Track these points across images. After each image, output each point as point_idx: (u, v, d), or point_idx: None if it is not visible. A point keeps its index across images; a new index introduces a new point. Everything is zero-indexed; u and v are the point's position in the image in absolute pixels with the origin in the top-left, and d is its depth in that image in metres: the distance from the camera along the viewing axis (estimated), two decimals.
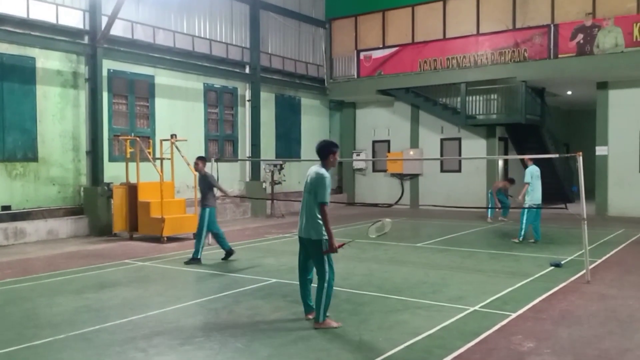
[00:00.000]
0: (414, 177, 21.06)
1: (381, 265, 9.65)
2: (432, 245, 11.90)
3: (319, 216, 5.93)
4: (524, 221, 11.94)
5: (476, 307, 6.77)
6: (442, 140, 20.60)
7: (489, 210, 13.32)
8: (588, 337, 5.73)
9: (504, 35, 18.83)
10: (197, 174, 10.40)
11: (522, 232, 11.96)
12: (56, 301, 7.29)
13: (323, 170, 6.13)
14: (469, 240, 12.42)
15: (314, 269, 6.15)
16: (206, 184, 10.02)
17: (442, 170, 20.56)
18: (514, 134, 20.28)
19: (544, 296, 7.32)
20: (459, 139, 20.19)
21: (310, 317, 6.19)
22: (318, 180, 6.02)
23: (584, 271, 8.34)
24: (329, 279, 5.98)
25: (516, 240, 11.94)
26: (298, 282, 6.35)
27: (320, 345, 5.45)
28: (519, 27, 18.83)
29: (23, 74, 12.94)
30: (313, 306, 6.13)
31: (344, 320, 6.23)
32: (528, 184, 11.89)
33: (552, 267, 9.20)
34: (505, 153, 20.42)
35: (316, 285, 6.05)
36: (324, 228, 5.92)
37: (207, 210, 9.88)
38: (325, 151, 6.23)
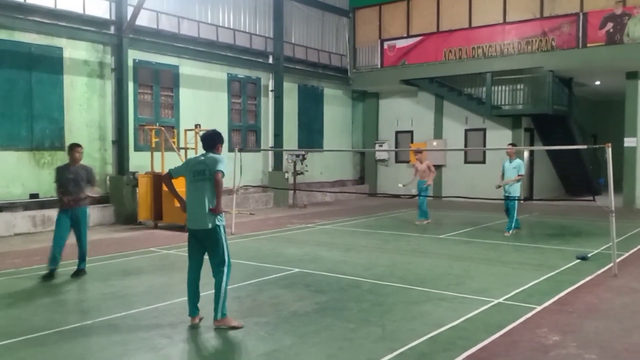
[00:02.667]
0: (438, 168, 20.87)
1: (404, 257, 9.62)
2: (455, 236, 11.81)
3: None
4: (515, 214, 11.86)
5: (500, 300, 6.71)
6: (466, 130, 20.37)
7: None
8: (615, 330, 5.64)
9: (531, 24, 18.49)
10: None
11: (514, 224, 11.92)
12: (83, 288, 7.44)
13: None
14: (493, 232, 12.29)
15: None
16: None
17: (466, 162, 20.36)
18: (540, 124, 19.95)
19: (570, 289, 7.22)
20: (484, 130, 19.95)
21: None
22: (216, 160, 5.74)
23: (611, 264, 8.20)
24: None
25: (508, 234, 11.82)
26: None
27: (343, 335, 5.47)
28: (546, 15, 18.46)
29: (51, 64, 13.13)
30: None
31: (367, 311, 6.24)
32: (522, 175, 11.83)
33: (579, 260, 9.06)
34: (532, 144, 20.11)
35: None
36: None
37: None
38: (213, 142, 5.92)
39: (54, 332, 5.57)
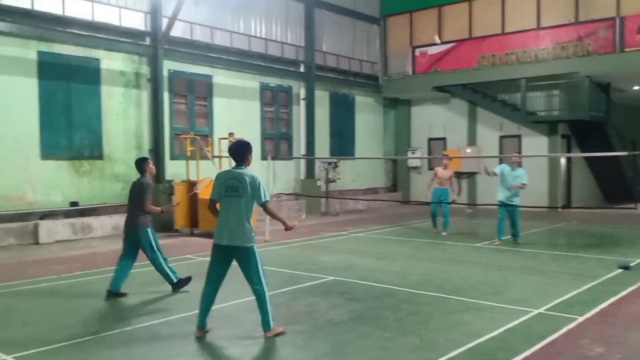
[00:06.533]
0: (472, 175, 20.65)
1: (439, 265, 9.51)
2: (491, 245, 11.62)
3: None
4: (501, 222, 11.63)
5: (540, 310, 6.56)
6: (501, 137, 20.10)
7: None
8: None
9: (566, 29, 18.18)
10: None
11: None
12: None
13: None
14: (531, 240, 12.06)
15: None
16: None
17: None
18: (577, 131, 19.56)
19: (612, 300, 7.02)
20: (519, 136, 19.64)
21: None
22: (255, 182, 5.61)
23: None
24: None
25: (497, 242, 11.61)
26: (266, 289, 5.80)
27: (380, 344, 5.42)
28: (582, 20, 18.15)
29: (89, 75, 13.47)
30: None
31: (403, 320, 6.18)
32: (526, 185, 11.45)
33: (621, 270, 8.81)
34: (568, 151, 19.71)
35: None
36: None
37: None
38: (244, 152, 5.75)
39: (95, 338, 5.67)
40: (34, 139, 12.53)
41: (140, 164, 7.60)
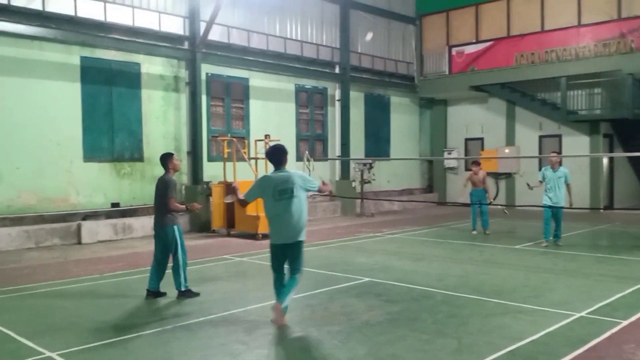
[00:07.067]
0: (510, 175, 20.29)
1: (477, 267, 9.38)
2: (531, 247, 11.40)
3: None
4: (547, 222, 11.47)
5: (583, 313, 6.41)
6: (540, 137, 19.69)
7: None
8: None
9: (608, 26, 17.71)
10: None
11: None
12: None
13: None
14: (572, 242, 11.77)
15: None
16: None
17: (540, 169, 19.61)
18: (620, 130, 19.00)
19: None
20: (559, 136, 19.20)
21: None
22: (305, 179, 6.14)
23: None
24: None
25: (545, 243, 11.38)
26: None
27: (418, 346, 5.39)
28: (624, 16, 17.63)
29: (129, 79, 13.80)
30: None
31: (441, 322, 6.12)
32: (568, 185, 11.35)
33: None
34: (611, 150, 19.16)
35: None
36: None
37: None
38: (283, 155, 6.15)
39: (136, 336, 5.81)
40: (77, 142, 12.91)
41: (164, 159, 7.56)
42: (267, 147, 13.68)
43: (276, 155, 6.06)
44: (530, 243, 11.79)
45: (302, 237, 6.09)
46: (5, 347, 5.51)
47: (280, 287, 6.14)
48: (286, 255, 6.11)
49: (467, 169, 21.23)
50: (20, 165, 12.04)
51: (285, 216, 5.93)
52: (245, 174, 13.84)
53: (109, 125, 13.43)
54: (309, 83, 18.21)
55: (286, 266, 6.24)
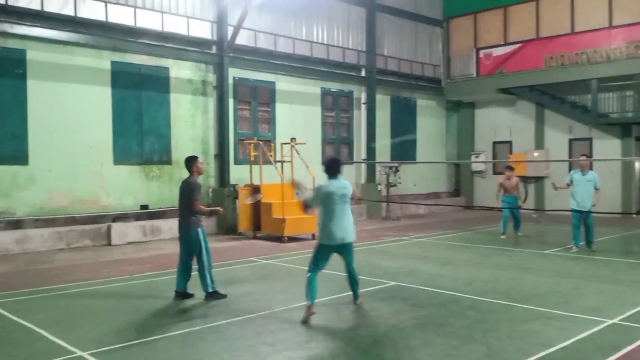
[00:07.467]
0: (539, 179, 19.98)
1: (506, 272, 9.25)
2: (561, 252, 11.20)
3: None
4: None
5: (615, 320, 6.27)
6: (570, 140, 19.36)
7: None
8: None
9: None
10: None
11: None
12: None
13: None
14: (604, 247, 11.52)
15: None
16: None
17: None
18: None
19: None
20: (590, 139, 18.85)
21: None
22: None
23: None
24: None
25: (575, 249, 11.15)
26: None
27: (445, 351, 5.34)
28: None
29: (158, 83, 14.01)
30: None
31: (470, 328, 6.06)
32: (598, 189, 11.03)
33: None
34: None
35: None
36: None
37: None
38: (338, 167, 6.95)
39: (165, 337, 5.88)
40: (107, 145, 13.15)
41: (189, 162, 7.67)
42: (294, 148, 13.80)
43: (333, 165, 6.90)
44: (559, 248, 11.58)
45: (353, 238, 6.83)
46: (37, 345, 5.64)
47: (315, 288, 6.54)
48: (342, 253, 6.83)
49: (495, 173, 21.04)
50: (52, 168, 12.31)
51: (342, 219, 6.66)
52: (271, 177, 13.92)
53: (139, 129, 13.65)
54: (334, 86, 18.23)
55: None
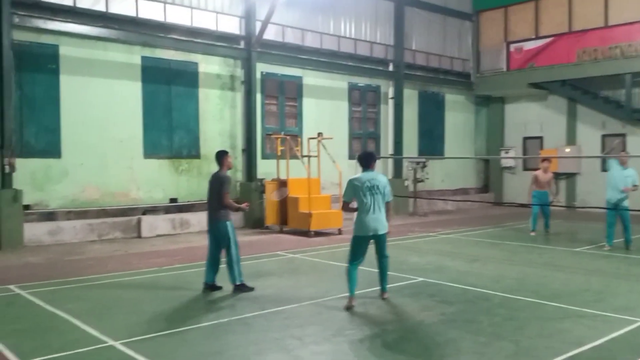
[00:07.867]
0: (571, 176, 19.62)
1: (536, 270, 9.11)
2: (592, 250, 10.98)
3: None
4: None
5: None
6: (603, 136, 18.95)
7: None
8: None
9: None
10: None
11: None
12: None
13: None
14: (637, 246, 11.26)
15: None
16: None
17: (603, 170, 18.87)
18: None
19: None
20: (624, 135, 18.41)
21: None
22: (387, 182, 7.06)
23: None
24: None
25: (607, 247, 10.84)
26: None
27: (474, 348, 5.29)
28: None
29: (187, 78, 14.15)
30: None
31: (498, 325, 5.99)
32: (637, 186, 10.70)
33: None
34: None
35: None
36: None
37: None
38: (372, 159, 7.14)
39: (193, 328, 5.96)
40: (137, 139, 13.35)
41: (220, 156, 7.79)
42: (321, 143, 13.82)
43: (367, 158, 7.07)
44: (591, 246, 11.36)
45: (386, 229, 6.97)
46: (69, 335, 5.77)
47: (354, 280, 6.79)
48: (375, 244, 6.97)
49: (525, 169, 20.68)
50: (84, 161, 12.56)
51: (373, 209, 6.78)
52: (298, 171, 13.96)
53: (168, 123, 13.82)
54: (362, 81, 18.16)
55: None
